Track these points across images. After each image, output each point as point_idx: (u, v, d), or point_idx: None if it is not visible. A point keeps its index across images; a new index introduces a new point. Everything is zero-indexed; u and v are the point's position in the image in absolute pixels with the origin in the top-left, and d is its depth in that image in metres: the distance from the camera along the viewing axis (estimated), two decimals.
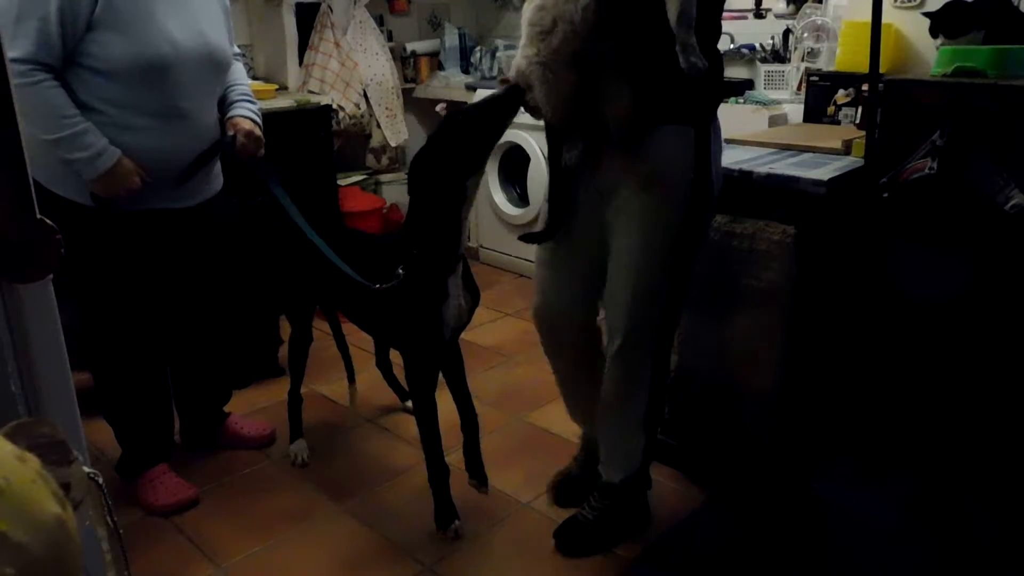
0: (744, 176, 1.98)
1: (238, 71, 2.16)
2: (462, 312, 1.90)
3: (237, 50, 2.18)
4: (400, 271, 1.77)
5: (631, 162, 1.65)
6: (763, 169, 1.98)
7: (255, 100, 2.18)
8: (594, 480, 2.03)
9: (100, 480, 0.62)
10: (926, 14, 2.22)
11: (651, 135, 1.63)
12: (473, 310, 1.95)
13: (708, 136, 1.67)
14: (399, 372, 2.42)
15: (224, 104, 2.10)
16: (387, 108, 4.00)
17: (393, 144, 4.11)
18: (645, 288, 1.74)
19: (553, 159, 1.75)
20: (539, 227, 1.88)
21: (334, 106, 3.64)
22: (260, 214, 2.43)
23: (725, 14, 3.54)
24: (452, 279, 1.82)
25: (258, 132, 2.10)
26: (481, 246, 4.20)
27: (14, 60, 1.69)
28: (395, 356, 2.53)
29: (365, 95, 3.88)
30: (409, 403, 2.55)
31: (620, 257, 1.75)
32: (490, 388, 2.82)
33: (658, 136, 1.63)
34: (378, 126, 3.99)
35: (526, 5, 1.56)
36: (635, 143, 1.63)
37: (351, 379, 2.66)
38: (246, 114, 2.10)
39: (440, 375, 2.02)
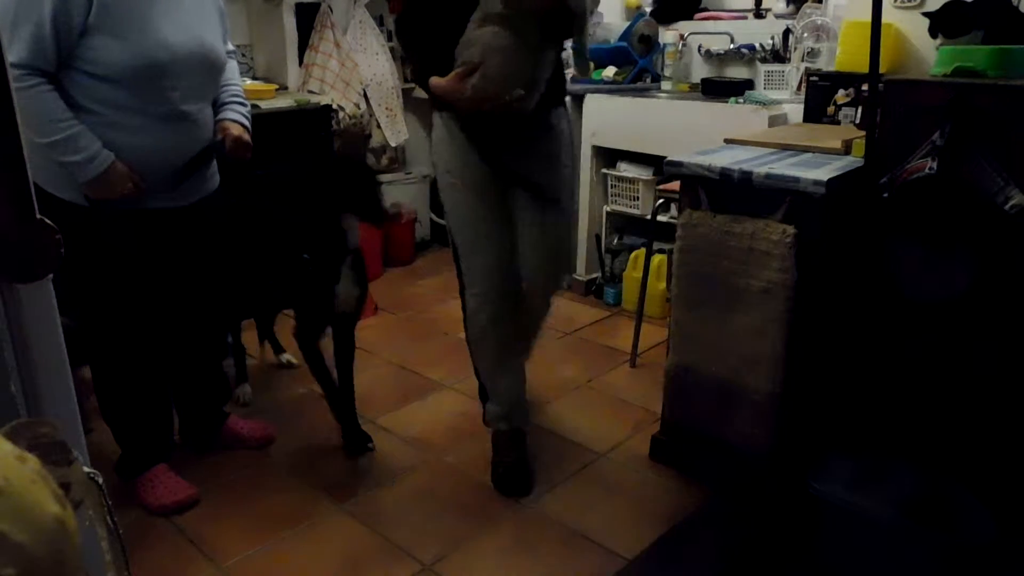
0: (744, 176, 1.98)
1: (231, 70, 2.16)
2: (350, 297, 2.27)
3: (232, 47, 2.17)
4: (305, 256, 2.22)
5: (536, 135, 2.08)
6: (763, 169, 1.98)
7: (246, 101, 2.19)
8: (527, 465, 2.30)
9: (100, 480, 0.62)
10: (926, 14, 2.22)
11: (548, 114, 2.07)
12: (362, 300, 2.34)
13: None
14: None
15: (216, 105, 2.10)
16: (387, 108, 4.00)
17: (393, 144, 4.11)
18: (557, 237, 2.15)
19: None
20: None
21: (334, 106, 3.64)
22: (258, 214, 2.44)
23: (725, 14, 3.58)
24: (344, 267, 2.23)
25: (246, 137, 2.10)
26: None
27: (9, 65, 1.69)
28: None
29: (365, 95, 3.88)
30: (284, 356, 3.02)
31: (535, 216, 2.09)
32: None
33: (554, 115, 2.09)
34: (378, 126, 3.99)
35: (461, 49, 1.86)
36: (536, 123, 2.04)
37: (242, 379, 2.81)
38: (236, 118, 2.10)
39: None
